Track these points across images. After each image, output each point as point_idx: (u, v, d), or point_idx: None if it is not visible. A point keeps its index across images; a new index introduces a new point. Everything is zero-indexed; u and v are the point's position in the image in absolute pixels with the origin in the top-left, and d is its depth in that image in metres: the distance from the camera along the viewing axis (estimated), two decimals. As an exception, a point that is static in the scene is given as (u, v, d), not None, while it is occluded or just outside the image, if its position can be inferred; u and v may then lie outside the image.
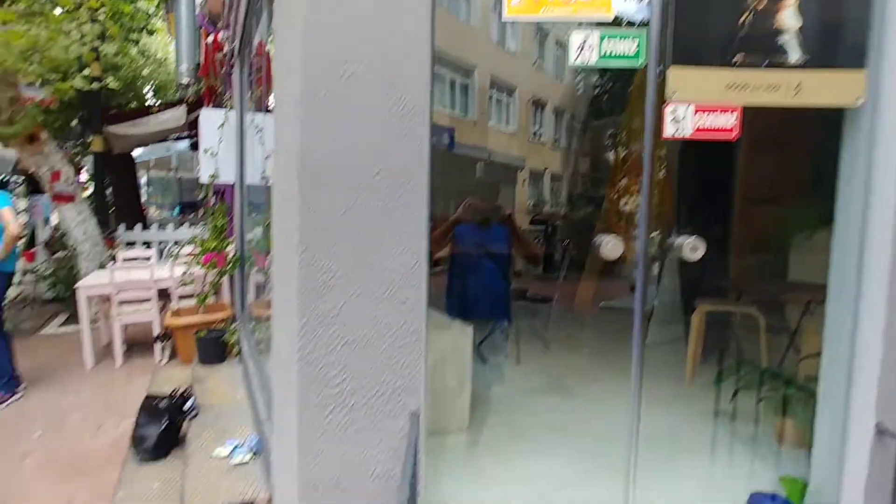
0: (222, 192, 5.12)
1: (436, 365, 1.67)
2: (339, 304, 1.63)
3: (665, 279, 3.67)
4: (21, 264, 4.31)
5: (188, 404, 2.92)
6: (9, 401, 3.89)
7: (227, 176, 4.55)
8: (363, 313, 1.63)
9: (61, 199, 5.90)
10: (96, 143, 6.99)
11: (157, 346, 4.46)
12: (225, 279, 4.86)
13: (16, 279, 4.20)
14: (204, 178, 4.48)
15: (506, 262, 3.58)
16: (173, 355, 4.46)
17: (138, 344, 5.18)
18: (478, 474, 2.12)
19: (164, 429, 2.79)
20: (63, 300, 6.37)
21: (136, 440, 2.82)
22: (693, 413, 2.71)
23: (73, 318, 6.06)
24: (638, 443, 1.79)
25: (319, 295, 1.62)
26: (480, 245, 3.00)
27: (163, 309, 4.83)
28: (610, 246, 1.63)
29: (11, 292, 5.24)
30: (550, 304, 4.08)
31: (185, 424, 2.92)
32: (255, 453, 2.48)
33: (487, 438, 2.43)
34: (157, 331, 4.58)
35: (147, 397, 2.92)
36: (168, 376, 3.86)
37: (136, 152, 10.21)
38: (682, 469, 2.16)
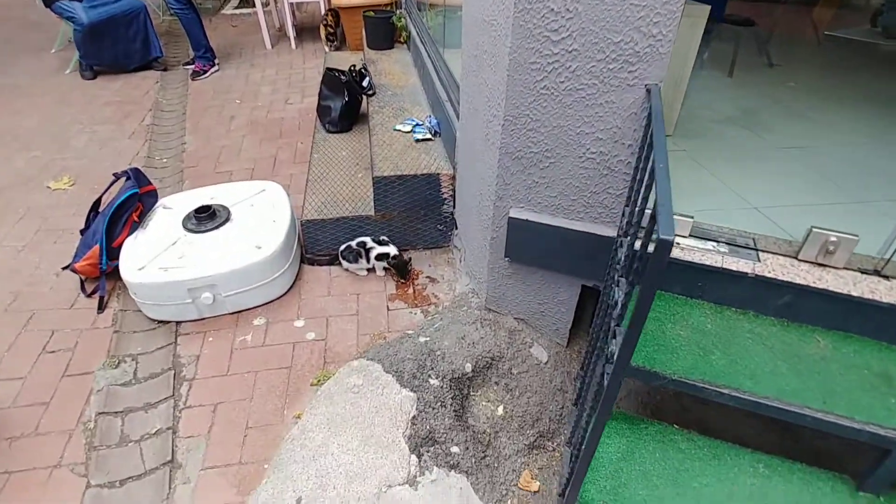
0: None
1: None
2: (581, -80, 1.18)
3: None
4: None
5: (365, 82, 2.87)
6: (209, 71, 4.26)
7: None
8: (612, -64, 1.18)
9: None
10: None
11: (323, 28, 4.37)
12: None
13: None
14: None
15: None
16: (342, 42, 4.38)
17: (308, 29, 5.18)
18: (681, 181, 1.87)
19: (346, 102, 2.83)
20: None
21: (322, 111, 2.93)
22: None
23: (245, 0, 6.17)
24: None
25: None
26: None
27: (327, -10, 4.60)
28: None
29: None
30: (752, 27, 3.15)
31: (363, 101, 2.94)
32: (434, 133, 2.45)
33: (693, 148, 2.09)
34: (323, 11, 4.44)
35: (328, 69, 2.91)
36: (341, 58, 3.83)
37: None
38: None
